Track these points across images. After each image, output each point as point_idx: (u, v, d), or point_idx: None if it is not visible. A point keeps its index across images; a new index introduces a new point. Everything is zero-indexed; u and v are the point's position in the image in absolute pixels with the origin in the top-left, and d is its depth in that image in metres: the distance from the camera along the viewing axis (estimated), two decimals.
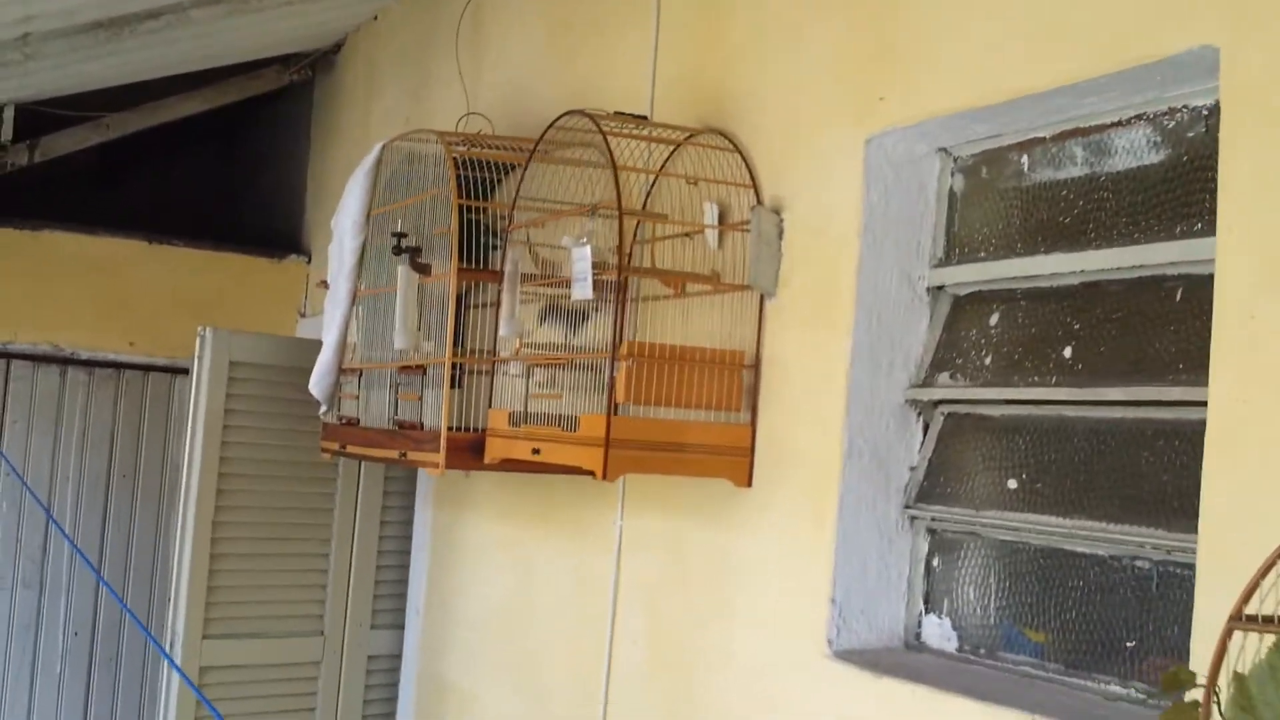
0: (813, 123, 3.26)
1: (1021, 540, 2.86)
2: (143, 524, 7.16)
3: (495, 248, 4.33)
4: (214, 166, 9.11)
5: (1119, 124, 2.74)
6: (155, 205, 8.05)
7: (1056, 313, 2.85)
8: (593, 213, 3.40)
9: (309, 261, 7.20)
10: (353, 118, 6.78)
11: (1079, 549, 2.73)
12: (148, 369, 7.09)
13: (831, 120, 3.20)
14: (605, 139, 3.37)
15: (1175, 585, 2.52)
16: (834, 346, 3.12)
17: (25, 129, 6.73)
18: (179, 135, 7.75)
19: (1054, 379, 2.80)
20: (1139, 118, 2.69)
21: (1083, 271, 2.78)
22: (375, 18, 6.55)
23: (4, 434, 6.80)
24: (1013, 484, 2.87)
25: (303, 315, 7.13)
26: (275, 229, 7.64)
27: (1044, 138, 2.91)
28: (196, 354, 5.21)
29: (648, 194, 3.75)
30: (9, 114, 6.65)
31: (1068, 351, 2.79)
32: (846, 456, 3.07)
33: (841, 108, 3.17)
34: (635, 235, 3.88)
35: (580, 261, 3.32)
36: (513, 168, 4.16)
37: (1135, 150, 2.71)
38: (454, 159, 3.98)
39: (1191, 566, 2.32)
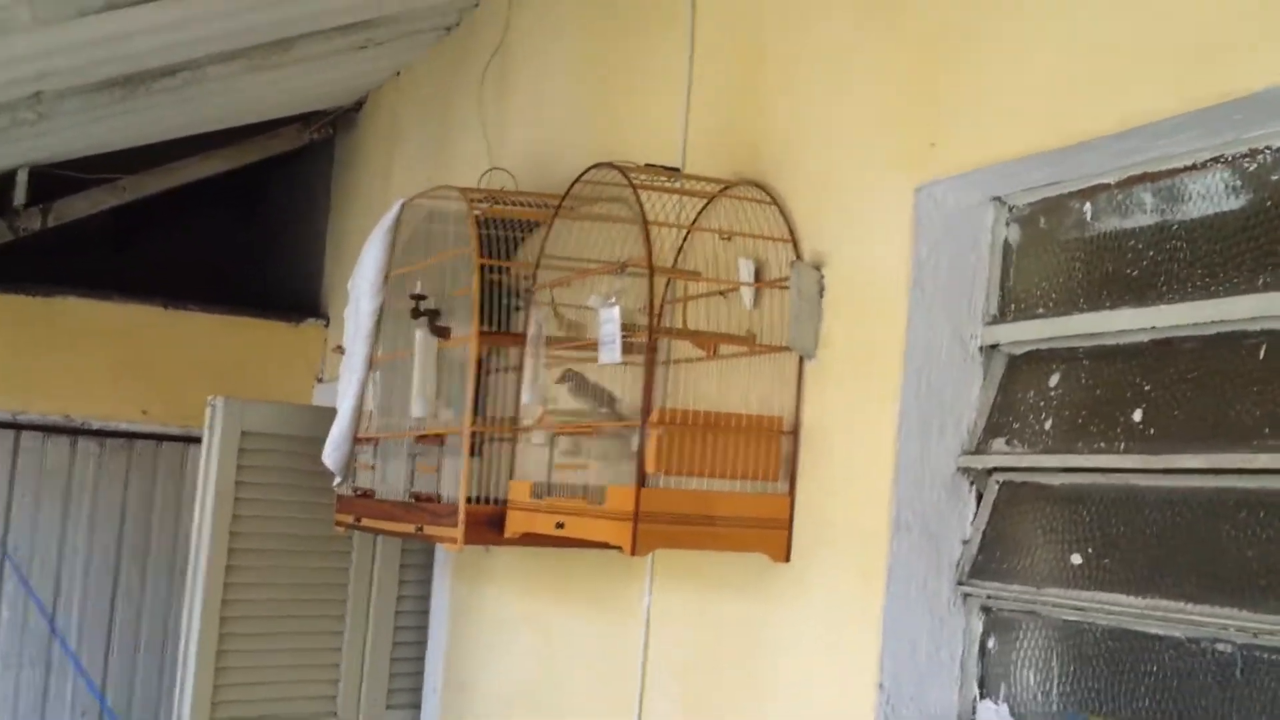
0: (856, 172, 3.04)
1: (1087, 620, 2.61)
2: (154, 599, 6.95)
3: (518, 309, 4.14)
4: (231, 228, 8.94)
5: (1193, 168, 2.51)
6: (171, 269, 7.87)
7: (1124, 373, 2.61)
8: (621, 270, 3.19)
9: (327, 325, 7.04)
10: (374, 176, 6.61)
11: (1152, 630, 2.48)
12: (161, 438, 6.90)
13: (877, 169, 2.98)
14: (635, 192, 3.16)
15: (1263, 671, 2.27)
16: (880, 411, 2.89)
17: (39, 193, 6.58)
18: (196, 196, 7.57)
19: (1122, 445, 2.56)
20: (1215, 160, 2.47)
21: (1154, 328, 2.54)
22: (398, 74, 6.39)
23: (12, 507, 6.59)
24: (1077, 559, 2.63)
25: (320, 380, 6.97)
26: (294, 292, 7.48)
27: (1109, 184, 2.68)
28: (207, 424, 5.03)
29: (679, 250, 3.53)
30: (22, 177, 6.50)
31: (1137, 415, 2.55)
32: (894, 530, 2.83)
33: (888, 155, 2.95)
34: (665, 294, 3.67)
35: (608, 323, 3.11)
36: (536, 225, 3.96)
37: (1212, 196, 2.48)
38: (475, 216, 3.79)
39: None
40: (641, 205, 3.13)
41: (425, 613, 5.35)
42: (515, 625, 4.61)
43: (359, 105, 6.96)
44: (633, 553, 2.96)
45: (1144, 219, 2.61)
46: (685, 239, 3.54)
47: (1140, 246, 2.61)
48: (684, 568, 3.54)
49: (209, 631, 4.90)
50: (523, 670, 4.51)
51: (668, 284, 3.65)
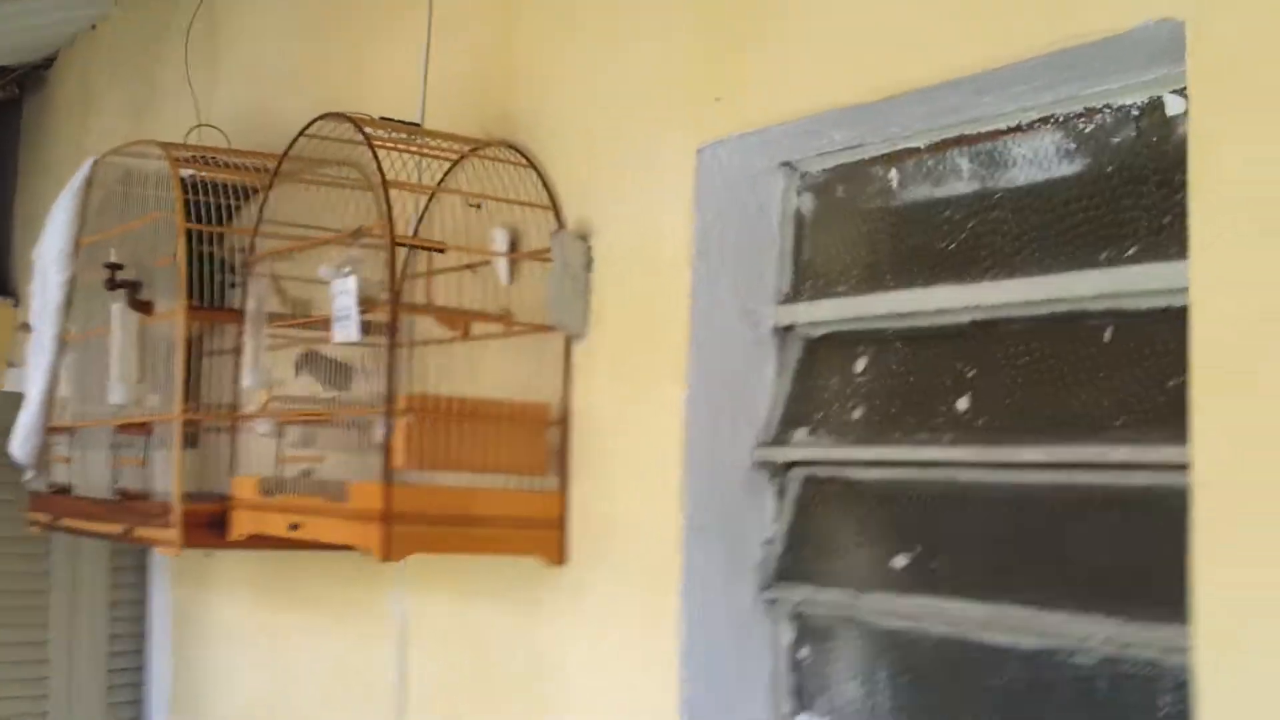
0: (631, 130, 2.71)
1: (918, 628, 2.33)
2: None
3: (234, 285, 3.71)
4: None
5: (1018, 129, 2.24)
6: None
7: (944, 357, 2.33)
8: (356, 239, 2.79)
9: (16, 304, 6.42)
10: (67, 140, 6.02)
11: (996, 640, 2.21)
12: None
13: (654, 127, 2.65)
14: (371, 146, 2.77)
15: (1134, 686, 2.01)
16: (664, 397, 2.57)
17: None
18: None
19: (947, 436, 2.28)
20: (1045, 121, 2.20)
21: (977, 307, 2.27)
22: (93, 27, 5.81)
23: None
24: (901, 561, 2.35)
25: (12, 365, 6.35)
26: None
27: (919, 148, 2.40)
28: None
29: (419, 219, 3.15)
30: None
31: (963, 403, 2.28)
32: (688, 530, 2.51)
33: (667, 111, 2.63)
34: (406, 269, 3.28)
35: (343, 295, 2.72)
36: (254, 192, 3.53)
37: (1041, 161, 2.22)
38: (179, 175, 3.33)
39: (1153, 664, 1.92)
40: (379, 161, 2.74)
41: (144, 618, 4.83)
42: (248, 637, 4.16)
43: (49, 62, 6.34)
44: (384, 558, 2.60)
45: (960, 186, 2.34)
46: (427, 206, 3.16)
47: (957, 217, 2.34)
48: (440, 572, 3.17)
49: None
50: (258, 688, 4.08)
51: (408, 256, 3.27)
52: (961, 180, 2.33)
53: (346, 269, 2.69)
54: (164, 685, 4.73)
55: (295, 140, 3.01)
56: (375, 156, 2.73)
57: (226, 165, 3.48)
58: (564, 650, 2.81)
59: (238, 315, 3.34)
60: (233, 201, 3.42)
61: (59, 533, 4.23)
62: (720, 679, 2.52)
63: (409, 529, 2.61)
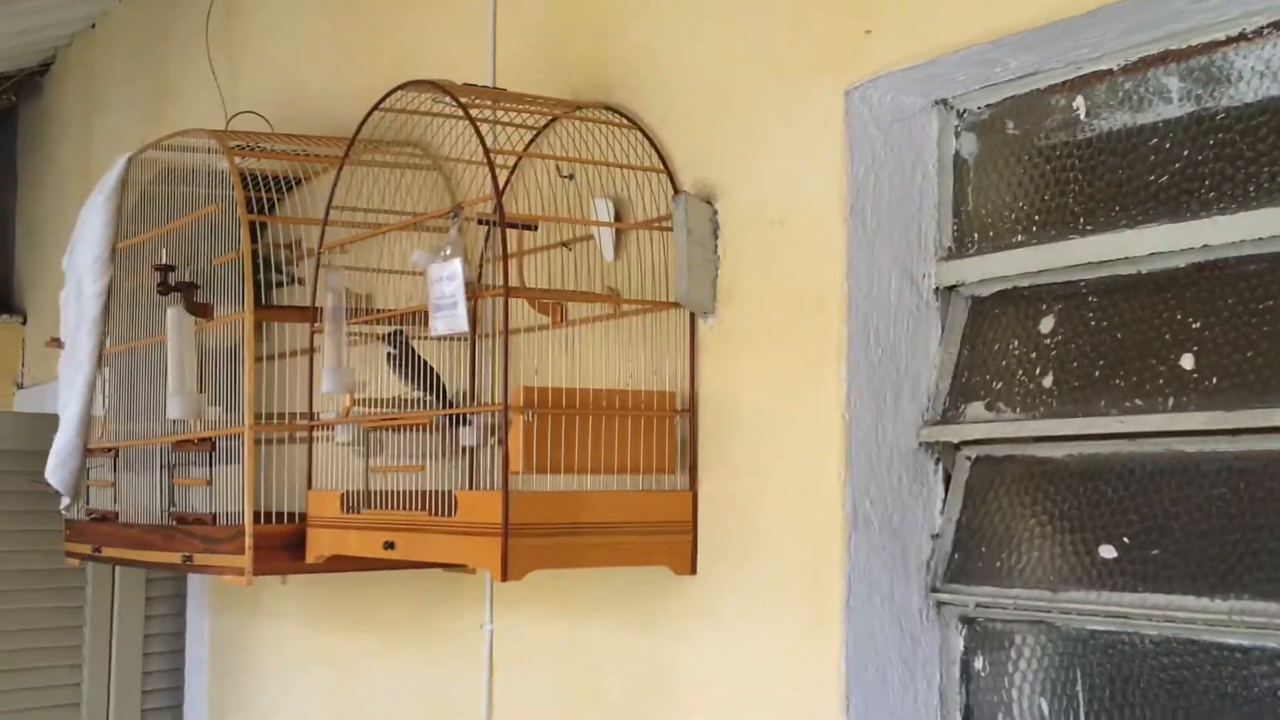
0: (758, 76, 2.40)
1: (1129, 629, 2.02)
2: None
3: (279, 284, 3.42)
4: None
5: (1241, 38, 1.94)
6: None
7: (1158, 309, 2.03)
8: (454, 216, 2.48)
9: (24, 322, 6.11)
10: (71, 145, 5.72)
11: (1231, 640, 1.91)
12: None
13: (788, 69, 2.34)
14: (469, 118, 2.46)
15: None
16: (817, 377, 2.25)
17: None
18: None
19: (1168, 401, 1.98)
20: (1276, 26, 1.90)
21: (1200, 248, 1.96)
22: (93, 25, 5.49)
23: None
24: (1109, 551, 2.04)
25: (20, 386, 6.09)
26: None
27: (1109, 70, 2.09)
28: None
29: (499, 194, 2.84)
30: None
31: (1188, 361, 1.97)
32: (851, 526, 2.20)
33: (804, 50, 2.31)
34: (485, 250, 2.98)
35: (447, 282, 2.40)
36: (298, 181, 3.23)
37: (1274, 72, 1.91)
38: (236, 164, 3.02)
39: None
40: (480, 133, 2.43)
41: (181, 651, 4.51)
42: (307, 665, 3.83)
43: (45, 67, 6.02)
44: (503, 577, 2.29)
45: (1169, 110, 2.03)
46: (508, 180, 2.86)
47: (1168, 146, 2.02)
48: (535, 585, 2.83)
49: None
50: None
51: (488, 236, 2.97)
52: (1170, 103, 2.02)
53: (448, 250, 2.38)
54: (202, 717, 4.41)
55: (368, 116, 2.69)
56: (473, 123, 2.41)
57: (284, 152, 3.16)
58: (694, 669, 2.50)
59: (301, 313, 3.05)
60: (273, 194, 3.11)
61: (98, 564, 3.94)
62: (886, 697, 2.21)
63: (530, 542, 2.31)
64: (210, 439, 3.05)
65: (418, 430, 2.76)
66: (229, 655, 4.26)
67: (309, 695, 3.82)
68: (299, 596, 3.86)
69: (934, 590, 2.26)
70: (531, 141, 2.82)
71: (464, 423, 2.76)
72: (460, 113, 2.52)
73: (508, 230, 2.59)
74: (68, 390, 3.63)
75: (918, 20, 2.13)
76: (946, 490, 2.29)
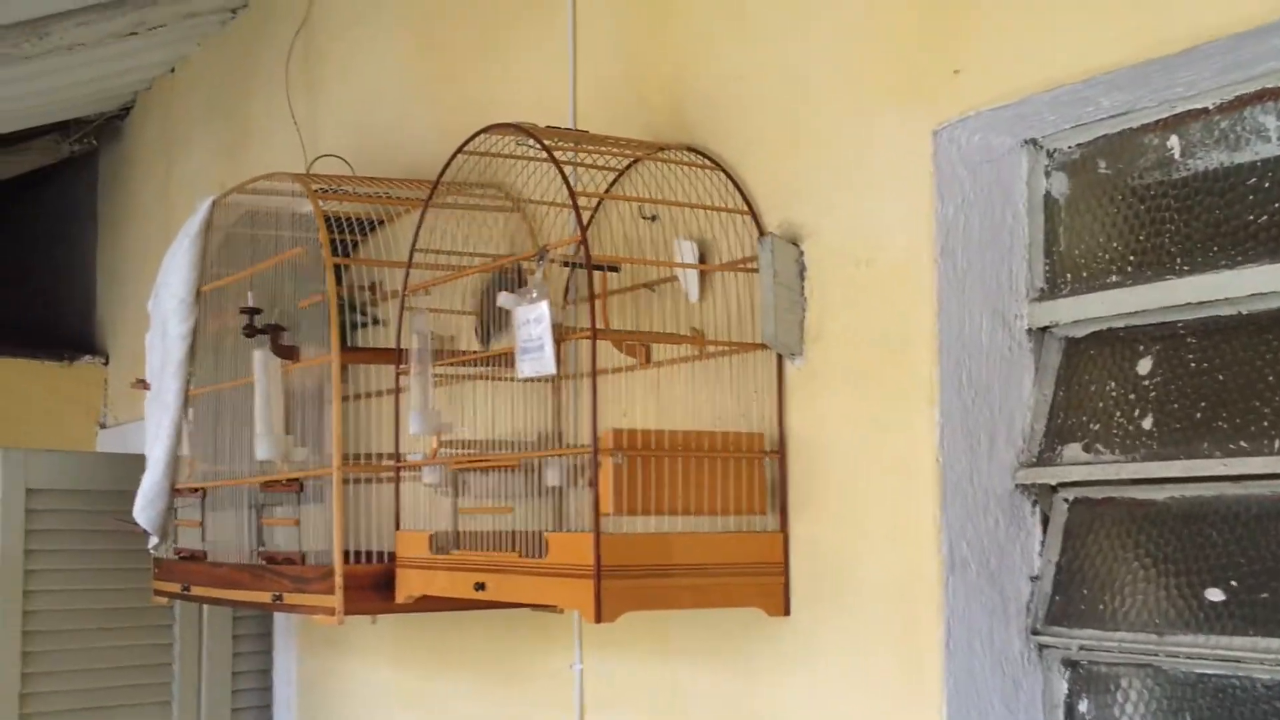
0: (842, 116, 2.41)
1: (1242, 674, 2.00)
2: None
3: (361, 325, 3.44)
4: None
5: None
6: None
7: (1262, 350, 2.01)
8: (540, 258, 2.50)
9: (106, 363, 6.15)
10: (150, 190, 5.76)
11: None
12: None
13: (874, 109, 2.35)
14: (554, 160, 2.47)
15: None
16: (907, 418, 2.25)
17: None
18: None
19: (1274, 444, 1.96)
20: None
21: None
22: (173, 70, 5.55)
23: None
24: (1216, 595, 2.02)
25: (103, 426, 6.11)
26: (61, 327, 6.53)
27: (1204, 109, 2.08)
28: None
29: (582, 235, 2.85)
30: None
31: None
32: (948, 568, 2.19)
33: (889, 91, 2.32)
34: (568, 292, 3.00)
35: (534, 324, 2.41)
36: (377, 224, 3.25)
37: None
38: (320, 207, 3.06)
39: None
40: (565, 176, 2.44)
41: (269, 689, 4.54)
42: (393, 705, 3.85)
43: (125, 111, 6.09)
44: (597, 619, 2.29)
45: (1268, 149, 2.02)
46: (590, 221, 2.87)
47: (1267, 185, 2.01)
48: (626, 627, 2.83)
49: None
50: None
51: (570, 278, 2.98)
52: (1269, 142, 2.01)
53: (533, 293, 2.39)
54: None
55: (452, 159, 2.71)
56: (558, 165, 2.43)
57: (365, 195, 3.19)
58: (789, 713, 2.49)
59: (383, 355, 3.08)
60: (352, 236, 3.14)
61: (185, 602, 3.98)
62: None
63: (622, 584, 2.32)
64: (298, 479, 3.08)
65: (503, 471, 2.77)
66: (317, 694, 4.27)
67: None
68: (386, 636, 3.88)
69: (1035, 633, 2.24)
70: (614, 183, 2.83)
71: (549, 463, 2.77)
72: (543, 155, 2.53)
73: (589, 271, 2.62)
74: (154, 431, 3.67)
75: (1007, 60, 2.13)
76: (1044, 532, 2.28)
